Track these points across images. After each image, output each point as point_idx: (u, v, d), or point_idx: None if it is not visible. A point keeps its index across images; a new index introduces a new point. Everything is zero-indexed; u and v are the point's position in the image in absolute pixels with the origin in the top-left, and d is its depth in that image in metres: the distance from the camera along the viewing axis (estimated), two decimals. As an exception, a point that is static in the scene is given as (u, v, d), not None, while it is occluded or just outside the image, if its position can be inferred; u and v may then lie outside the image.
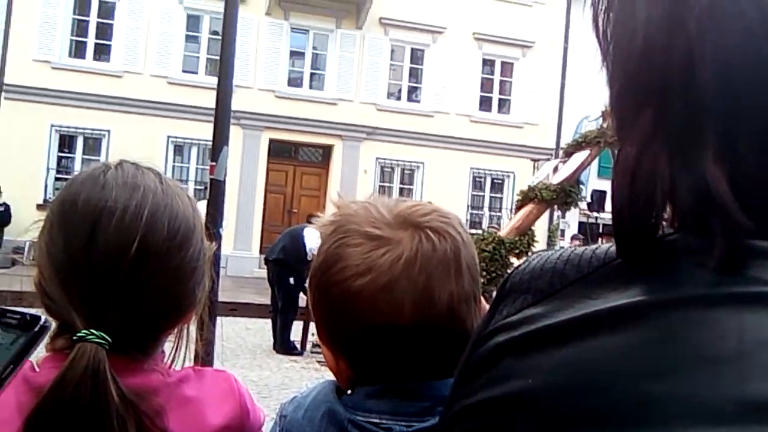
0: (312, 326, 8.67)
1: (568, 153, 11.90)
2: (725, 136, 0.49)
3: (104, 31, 18.27)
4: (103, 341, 0.84)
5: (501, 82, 20.90)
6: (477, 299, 0.95)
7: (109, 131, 17.69)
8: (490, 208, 20.91)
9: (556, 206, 12.41)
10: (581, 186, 12.41)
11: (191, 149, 18.53)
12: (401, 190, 19.68)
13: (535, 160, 19.15)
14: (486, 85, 20.72)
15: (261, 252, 16.96)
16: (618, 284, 0.51)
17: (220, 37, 6.43)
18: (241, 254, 17.96)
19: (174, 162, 18.24)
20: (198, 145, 18.05)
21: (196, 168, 18.40)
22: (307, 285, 1.00)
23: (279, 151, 19.36)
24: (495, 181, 20.94)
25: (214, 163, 5.90)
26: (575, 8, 19.73)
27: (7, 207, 16.20)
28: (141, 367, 0.93)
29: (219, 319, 6.29)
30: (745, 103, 0.49)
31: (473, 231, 15.23)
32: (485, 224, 18.93)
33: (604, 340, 0.48)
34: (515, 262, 9.78)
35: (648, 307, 0.48)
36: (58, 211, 0.92)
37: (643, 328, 0.47)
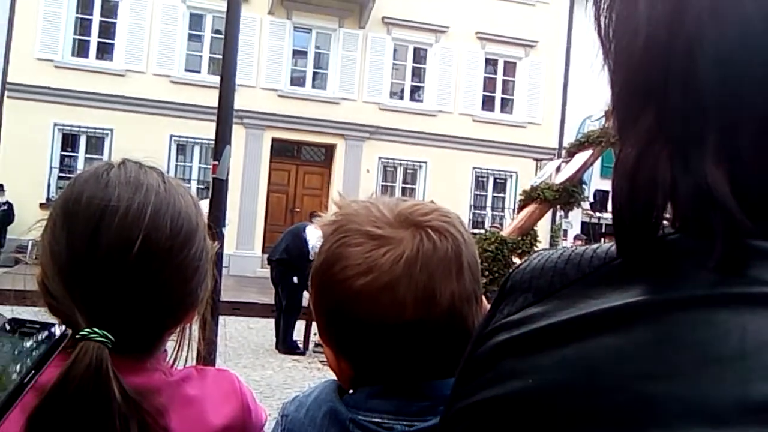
0: (315, 326, 8.66)
1: (571, 153, 11.89)
2: (726, 136, 0.49)
3: (107, 30, 18.27)
4: (106, 340, 0.84)
5: (504, 81, 20.88)
6: (478, 298, 0.95)
7: (112, 130, 17.71)
8: (493, 208, 20.89)
9: (558, 206, 12.39)
10: (584, 186, 12.41)
11: (194, 148, 18.54)
12: (404, 190, 19.68)
13: (537, 160, 19.14)
14: (489, 84, 20.70)
15: (263, 251, 16.96)
16: (619, 284, 0.51)
17: (222, 36, 6.43)
18: (243, 253, 17.97)
19: (177, 161, 18.25)
20: (201, 144, 18.07)
21: (199, 167, 18.41)
22: (309, 283, 1.00)
23: (281, 150, 19.37)
24: (498, 180, 20.93)
25: (216, 162, 5.89)
26: (578, 8, 19.71)
27: (10, 206, 16.22)
28: (143, 366, 0.93)
29: (221, 318, 6.29)
30: (746, 103, 0.48)
31: (476, 231, 15.22)
32: (488, 224, 18.90)
33: (604, 340, 0.48)
34: (518, 262, 9.77)
35: (648, 307, 0.48)
36: (62, 209, 0.92)
37: (643, 328, 0.47)
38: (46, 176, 17.48)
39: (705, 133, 0.49)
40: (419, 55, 20.28)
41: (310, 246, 9.34)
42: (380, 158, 19.66)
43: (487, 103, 20.63)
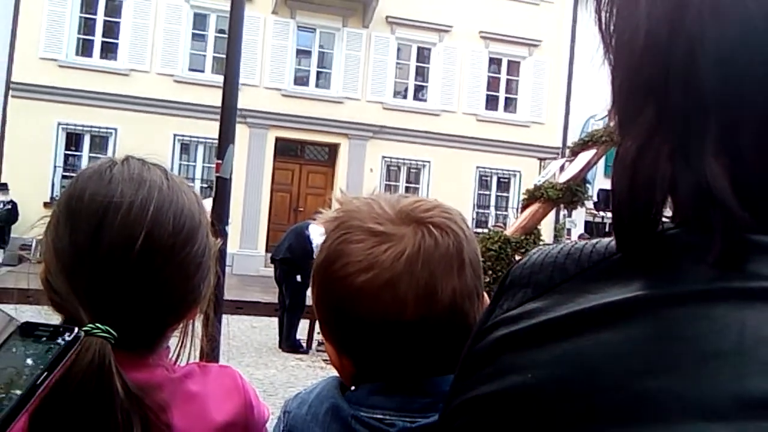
0: (318, 325, 8.62)
1: (575, 152, 11.89)
2: (726, 131, 0.49)
3: (111, 30, 18.30)
4: (109, 335, 0.84)
5: (507, 80, 20.85)
6: (480, 295, 0.95)
7: (115, 129, 17.73)
8: (497, 207, 20.86)
9: (562, 205, 12.39)
10: (588, 185, 12.40)
11: (198, 147, 18.56)
12: (407, 189, 19.63)
13: (541, 159, 19.10)
14: (492, 83, 20.67)
15: (267, 250, 16.97)
16: (618, 279, 0.51)
17: (226, 36, 6.44)
18: (247, 252, 17.98)
19: (180, 160, 18.27)
20: (204, 144, 18.08)
21: (203, 166, 18.43)
22: (310, 280, 1.00)
23: (285, 149, 19.37)
24: (501, 180, 20.90)
25: (220, 161, 5.90)
26: (582, 7, 19.66)
27: (14, 204, 16.25)
28: (146, 362, 0.94)
29: (225, 317, 6.30)
30: (747, 98, 0.49)
31: (479, 230, 15.22)
32: (491, 223, 18.88)
33: (603, 336, 0.48)
34: (521, 261, 9.75)
35: (647, 302, 0.48)
36: (65, 206, 0.93)
37: (642, 323, 0.48)
38: (50, 175, 17.50)
39: (705, 130, 0.49)
40: (423, 55, 20.26)
41: (313, 245, 9.33)
42: (384, 158, 19.65)
43: (491, 103, 20.60)
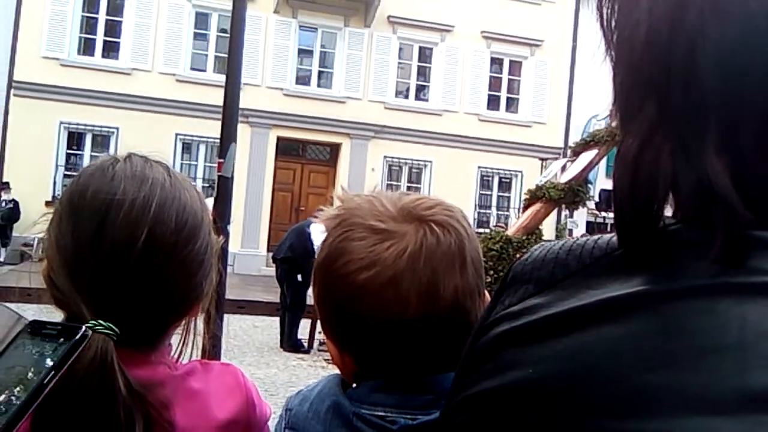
0: (319, 324, 8.63)
1: (576, 152, 11.89)
2: (727, 128, 0.49)
3: (113, 29, 18.32)
4: (111, 332, 0.84)
5: (509, 80, 20.87)
6: (481, 293, 0.95)
7: (117, 128, 17.75)
8: (498, 207, 20.88)
9: (564, 205, 12.39)
10: (589, 185, 12.40)
11: (199, 147, 18.58)
12: (409, 189, 19.52)
13: (543, 159, 19.10)
14: (494, 83, 20.68)
15: (269, 250, 16.98)
16: (619, 275, 0.51)
17: (228, 35, 6.44)
18: (248, 252, 18.00)
19: (182, 159, 18.29)
20: (206, 143, 18.10)
21: (204, 165, 18.44)
22: (311, 278, 1.00)
23: (287, 149, 19.38)
24: (503, 180, 20.91)
25: (222, 160, 5.90)
26: (584, 7, 19.68)
27: (16, 203, 16.28)
28: (148, 359, 0.94)
29: (226, 316, 6.29)
30: (748, 95, 0.49)
31: (481, 230, 15.21)
32: (493, 223, 18.89)
33: (604, 331, 0.49)
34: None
35: (649, 297, 0.48)
36: (67, 203, 0.93)
37: (643, 318, 0.48)
38: (52, 174, 17.52)
39: (706, 127, 0.49)
40: (425, 54, 20.28)
41: (315, 245, 9.32)
42: (385, 157, 19.66)
43: (493, 103, 20.61)
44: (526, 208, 12.04)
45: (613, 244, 0.55)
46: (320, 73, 19.71)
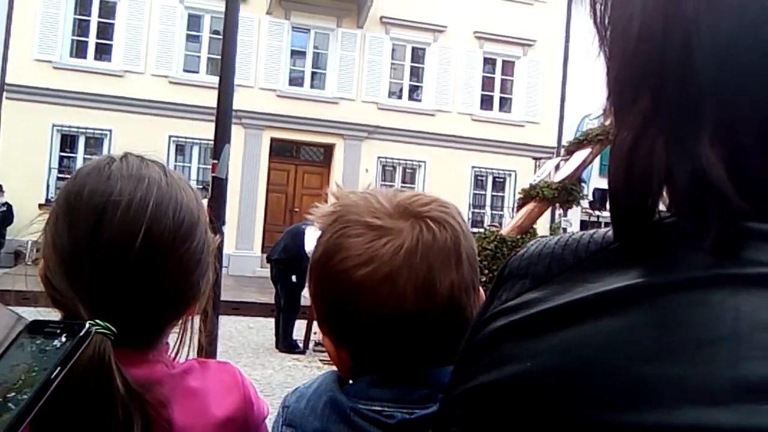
0: (315, 325, 8.67)
1: (570, 151, 11.89)
2: (722, 120, 0.49)
3: (105, 31, 18.26)
4: (108, 332, 0.84)
5: (502, 80, 20.87)
6: (476, 288, 0.96)
7: (110, 131, 17.69)
8: (492, 207, 20.88)
9: (557, 204, 12.40)
10: (583, 184, 12.41)
11: (192, 149, 18.53)
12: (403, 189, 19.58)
13: (536, 159, 19.12)
14: (487, 83, 20.69)
15: (263, 251, 16.95)
16: (615, 268, 0.52)
17: (221, 37, 6.43)
18: (243, 253, 17.96)
19: (176, 161, 18.22)
20: (199, 145, 18.05)
21: (198, 167, 18.38)
22: (307, 276, 1.00)
23: (280, 150, 19.35)
24: (497, 179, 20.92)
25: (216, 161, 5.89)
26: (576, 7, 19.72)
27: (9, 207, 16.21)
28: (145, 358, 0.94)
29: (221, 318, 6.28)
30: (742, 87, 0.49)
31: (475, 230, 15.21)
32: (487, 223, 18.91)
33: (601, 323, 0.49)
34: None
35: (644, 289, 0.49)
36: (64, 202, 0.93)
37: (639, 310, 0.48)
38: (45, 177, 17.46)
39: (701, 119, 0.49)
40: (417, 55, 20.27)
41: (307, 249, 9.31)
42: (379, 158, 19.65)
43: (486, 103, 20.63)
44: (520, 207, 12.04)
45: (608, 238, 0.55)
46: (313, 74, 19.69)
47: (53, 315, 0.91)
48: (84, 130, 17.93)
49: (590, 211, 16.83)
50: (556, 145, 19.76)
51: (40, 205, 15.94)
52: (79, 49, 18.16)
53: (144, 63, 18.09)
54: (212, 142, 6.10)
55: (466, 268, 0.93)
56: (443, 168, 19.54)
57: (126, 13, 18.13)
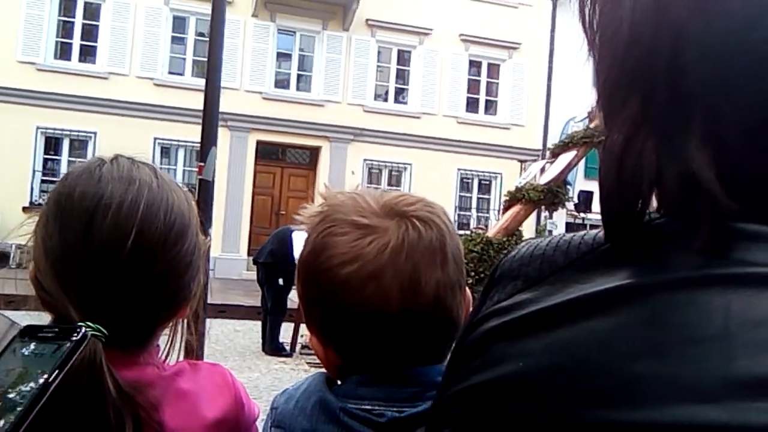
0: (302, 328, 8.64)
1: (555, 154, 11.96)
2: (711, 122, 0.50)
3: (90, 33, 18.14)
4: (99, 334, 0.84)
5: (488, 83, 20.91)
6: (462, 287, 0.97)
7: (95, 133, 17.58)
8: (478, 209, 20.91)
9: (543, 207, 12.45)
10: (568, 187, 12.47)
11: (178, 151, 18.45)
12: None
13: (522, 161, 19.18)
14: (473, 86, 20.72)
15: (249, 254, 16.89)
16: (606, 269, 0.52)
17: (206, 39, 6.44)
18: (229, 256, 17.90)
19: (161, 164, 18.09)
20: (185, 147, 17.98)
21: (183, 170, 18.30)
22: (295, 275, 1.01)
23: (266, 152, 19.30)
24: (482, 182, 20.95)
25: (202, 164, 5.87)
26: (561, 10, 19.80)
27: (-8, 210, 16.08)
28: (136, 360, 0.94)
29: (207, 321, 6.26)
30: (730, 91, 0.50)
31: (461, 232, 15.24)
32: (473, 225, 18.94)
33: (593, 323, 0.49)
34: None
35: (635, 290, 0.49)
36: (54, 205, 0.93)
37: (630, 310, 0.48)
38: (29, 180, 17.32)
39: (690, 121, 0.50)
40: (403, 58, 20.28)
41: (295, 255, 9.29)
42: (365, 160, 19.64)
43: (471, 105, 20.66)
44: (506, 209, 12.08)
45: (599, 240, 0.56)
46: (299, 76, 19.65)
47: (41, 318, 0.91)
48: (68, 133, 17.81)
49: (575, 213, 16.88)
50: (541, 147, 19.83)
51: (24, 209, 15.82)
52: (63, 51, 18.04)
53: (129, 65, 17.99)
54: (198, 145, 6.09)
55: (451, 267, 0.94)
56: (429, 170, 19.55)
57: (110, 14, 18.01)
